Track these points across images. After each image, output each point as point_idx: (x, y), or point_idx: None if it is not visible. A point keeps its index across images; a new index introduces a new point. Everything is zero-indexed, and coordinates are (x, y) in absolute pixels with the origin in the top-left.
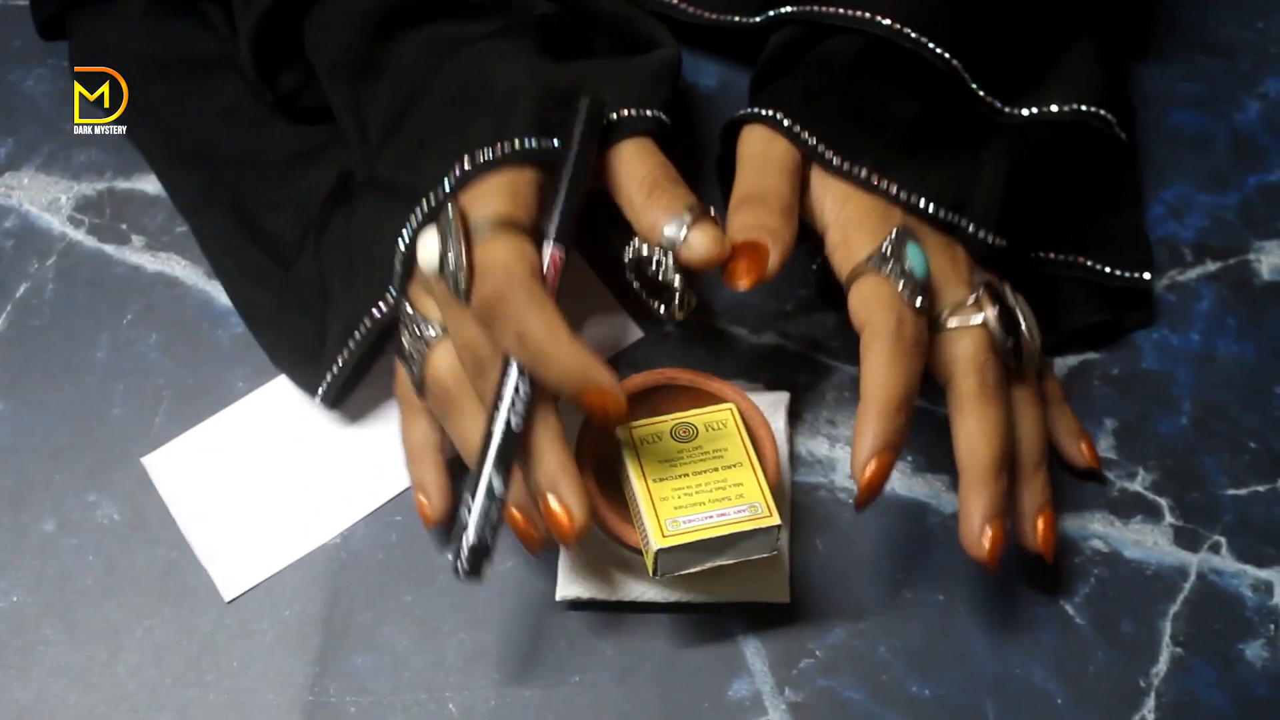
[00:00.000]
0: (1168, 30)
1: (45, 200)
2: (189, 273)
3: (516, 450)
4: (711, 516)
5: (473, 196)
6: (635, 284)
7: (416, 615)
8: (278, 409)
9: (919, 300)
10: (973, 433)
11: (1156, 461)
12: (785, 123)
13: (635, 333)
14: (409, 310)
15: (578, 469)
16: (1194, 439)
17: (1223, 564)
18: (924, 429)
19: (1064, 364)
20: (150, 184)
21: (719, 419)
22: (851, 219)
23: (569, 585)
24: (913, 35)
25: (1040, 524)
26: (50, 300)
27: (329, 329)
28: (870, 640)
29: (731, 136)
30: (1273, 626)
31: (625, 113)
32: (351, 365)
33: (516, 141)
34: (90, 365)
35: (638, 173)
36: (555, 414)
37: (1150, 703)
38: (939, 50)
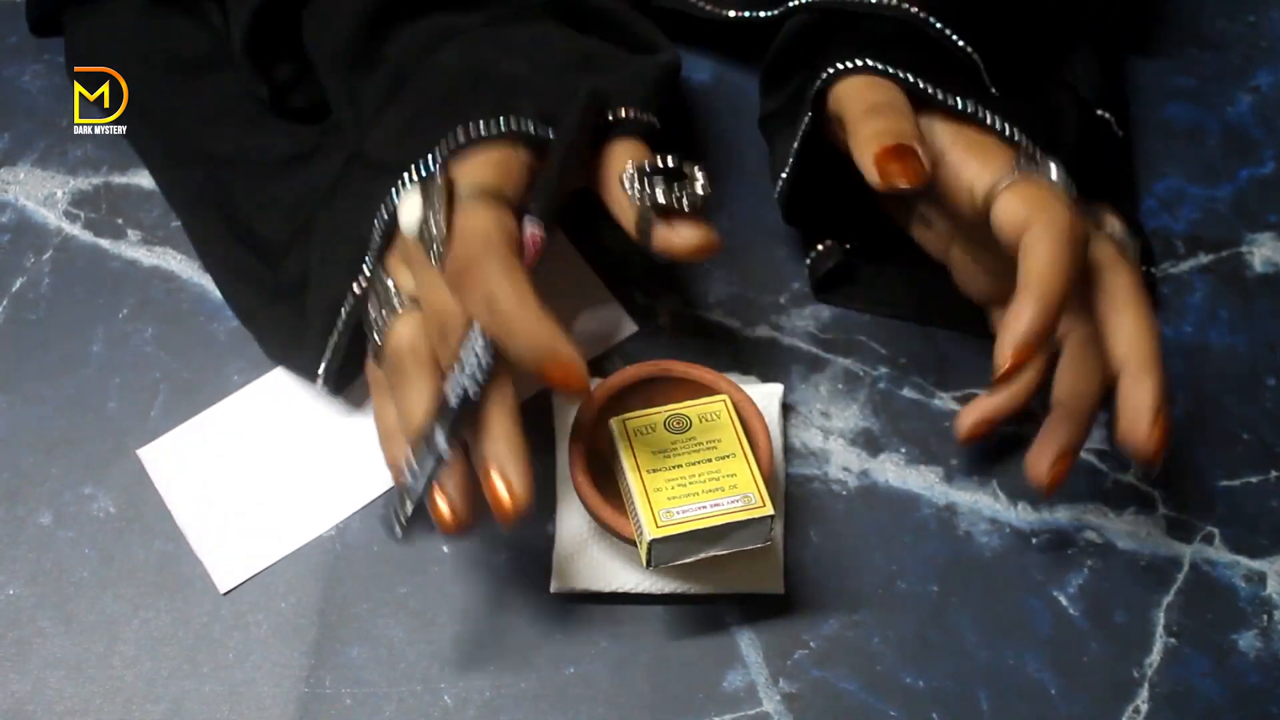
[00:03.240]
0: (1160, 24)
1: (41, 195)
2: (184, 266)
3: (468, 420)
4: (705, 507)
5: (462, 166)
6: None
7: (411, 607)
8: (273, 401)
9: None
10: (1134, 324)
11: None
12: (891, 70)
13: (630, 326)
14: (383, 279)
15: (527, 450)
16: (1187, 430)
17: (1216, 555)
18: (918, 421)
19: None
20: (146, 179)
21: (713, 410)
22: (972, 144)
23: (563, 577)
24: (938, 25)
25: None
26: (46, 294)
27: (315, 308)
28: (864, 631)
29: (819, 106)
30: (1266, 617)
31: (623, 113)
32: (345, 343)
33: (515, 120)
34: (86, 359)
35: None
36: (513, 390)
37: (1144, 693)
38: (961, 43)
